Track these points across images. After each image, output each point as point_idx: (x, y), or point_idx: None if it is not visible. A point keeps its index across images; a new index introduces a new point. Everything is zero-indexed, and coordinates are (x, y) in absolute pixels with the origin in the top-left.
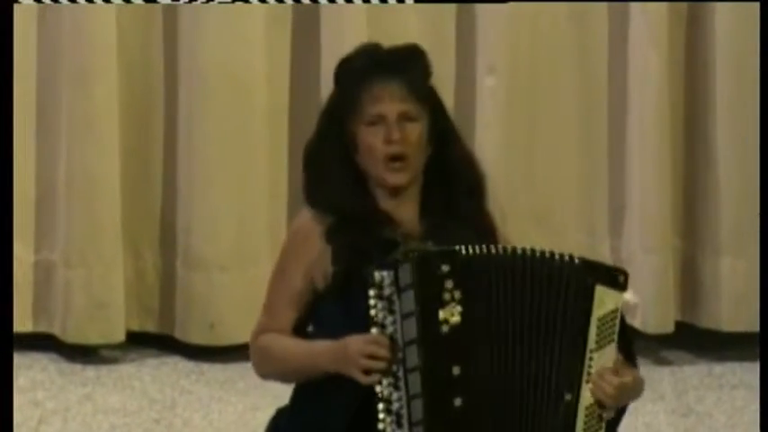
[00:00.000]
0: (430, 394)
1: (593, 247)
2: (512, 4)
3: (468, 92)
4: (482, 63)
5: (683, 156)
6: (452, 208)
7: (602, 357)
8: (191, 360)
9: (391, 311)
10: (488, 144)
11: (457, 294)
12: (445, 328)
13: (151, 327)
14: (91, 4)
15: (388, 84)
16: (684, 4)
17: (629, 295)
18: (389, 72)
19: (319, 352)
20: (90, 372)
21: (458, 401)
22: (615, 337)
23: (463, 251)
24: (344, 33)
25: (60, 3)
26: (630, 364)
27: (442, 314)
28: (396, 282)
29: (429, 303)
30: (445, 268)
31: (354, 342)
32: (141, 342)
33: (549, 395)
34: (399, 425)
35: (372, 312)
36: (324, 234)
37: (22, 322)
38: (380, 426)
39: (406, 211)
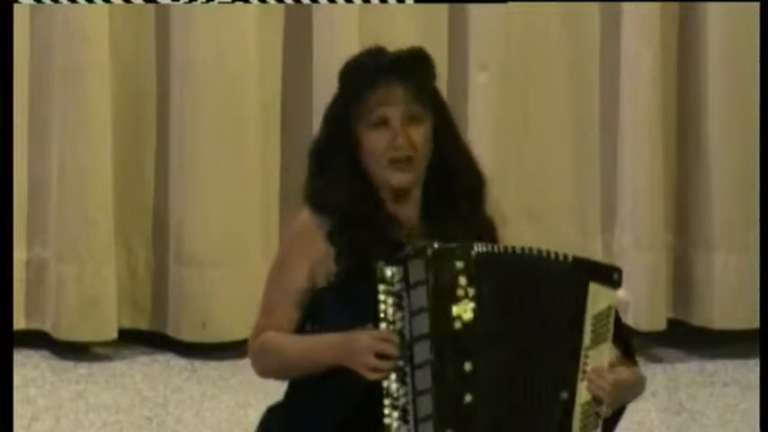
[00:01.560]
0: (441, 390)
1: (585, 243)
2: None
3: (460, 89)
4: (474, 60)
5: (675, 152)
6: (452, 210)
7: (598, 355)
8: (183, 357)
9: (400, 307)
10: (480, 141)
11: (470, 291)
12: (458, 325)
13: (143, 324)
14: (88, 3)
15: (394, 86)
16: (676, 2)
17: (620, 292)
18: (395, 75)
19: (323, 345)
20: (82, 369)
21: (468, 398)
22: (610, 335)
23: (476, 249)
24: (336, 30)
25: (60, 2)
26: (630, 362)
27: (455, 310)
28: (406, 278)
29: (443, 299)
30: (459, 265)
31: (364, 338)
32: (133, 339)
33: (547, 393)
34: (405, 420)
35: (381, 307)
36: (327, 235)
37: (15, 319)
38: (386, 420)
39: (408, 214)
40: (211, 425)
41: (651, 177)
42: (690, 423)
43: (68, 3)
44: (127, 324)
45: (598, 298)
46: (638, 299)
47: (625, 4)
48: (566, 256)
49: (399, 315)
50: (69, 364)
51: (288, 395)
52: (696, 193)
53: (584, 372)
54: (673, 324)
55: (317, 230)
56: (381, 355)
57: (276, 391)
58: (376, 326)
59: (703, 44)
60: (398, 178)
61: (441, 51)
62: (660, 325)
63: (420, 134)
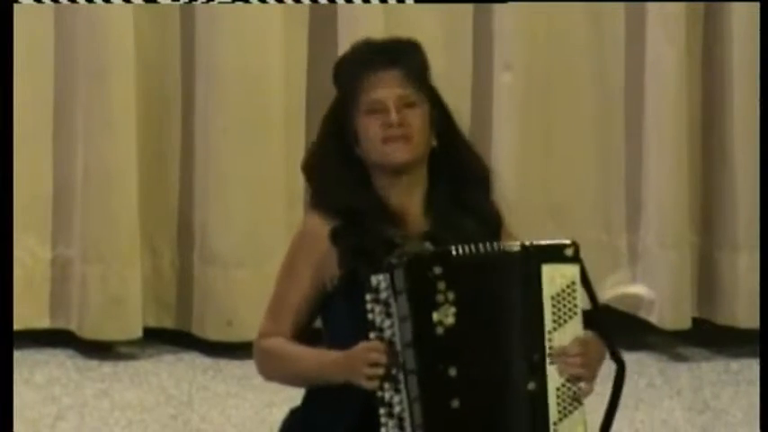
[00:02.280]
0: (428, 397)
1: (609, 242)
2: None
3: (485, 89)
4: (498, 60)
5: (700, 152)
6: (459, 199)
7: (564, 334)
8: (208, 356)
9: (388, 315)
10: (505, 141)
11: (450, 296)
12: (440, 330)
13: (168, 323)
14: (108, 3)
15: (385, 71)
16: (701, 2)
17: (644, 290)
18: (385, 60)
19: (328, 363)
20: (107, 368)
21: (455, 403)
22: (577, 310)
23: (454, 251)
24: (361, 33)
25: (60, 2)
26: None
27: (436, 316)
28: (392, 285)
29: (422, 306)
30: (437, 270)
31: (357, 351)
32: (158, 338)
33: (517, 387)
34: (401, 428)
35: (370, 317)
36: (329, 237)
37: (40, 318)
38: (383, 430)
39: (413, 204)
40: (236, 423)
41: (676, 177)
42: (714, 421)
43: (69, 2)
44: (152, 323)
45: (555, 277)
46: (663, 297)
47: (650, 4)
48: (515, 245)
49: (388, 323)
50: (94, 363)
51: (305, 400)
52: (721, 193)
53: (551, 356)
54: (697, 323)
55: (323, 231)
56: (374, 365)
57: (300, 390)
58: (367, 336)
59: (728, 44)
60: (396, 154)
61: (465, 51)
62: (685, 324)
63: (416, 116)
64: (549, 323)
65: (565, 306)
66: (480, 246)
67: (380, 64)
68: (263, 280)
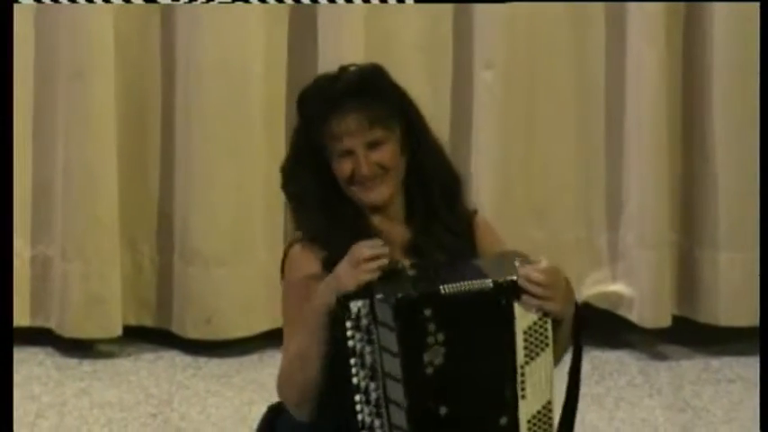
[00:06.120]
0: None
1: (590, 241)
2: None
3: (466, 87)
4: (479, 58)
5: (681, 151)
6: (432, 213)
7: (536, 368)
8: (187, 354)
9: (369, 341)
10: (486, 139)
11: (440, 337)
12: (430, 370)
13: (148, 321)
14: (89, 3)
15: (348, 118)
16: (681, 2)
17: (623, 287)
18: (348, 105)
19: (325, 286)
20: (87, 366)
21: None
22: (549, 341)
23: (442, 290)
24: (342, 31)
25: (60, 2)
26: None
27: (426, 357)
28: (372, 312)
29: (413, 347)
30: (428, 312)
31: (348, 257)
32: (138, 336)
33: (491, 423)
34: None
35: (350, 343)
36: (321, 265)
37: (19, 317)
38: None
39: (396, 228)
40: (216, 422)
41: (656, 176)
42: (695, 420)
43: (68, 2)
44: (131, 321)
45: (526, 312)
46: (643, 296)
47: (630, 4)
48: (488, 283)
49: (369, 349)
50: (74, 362)
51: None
52: (701, 192)
53: (524, 389)
54: (677, 321)
55: (310, 267)
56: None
57: None
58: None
59: (709, 43)
60: (372, 197)
61: (446, 50)
62: (665, 322)
63: (385, 153)
64: (521, 357)
65: (537, 338)
66: (463, 283)
67: (342, 110)
68: (243, 278)
